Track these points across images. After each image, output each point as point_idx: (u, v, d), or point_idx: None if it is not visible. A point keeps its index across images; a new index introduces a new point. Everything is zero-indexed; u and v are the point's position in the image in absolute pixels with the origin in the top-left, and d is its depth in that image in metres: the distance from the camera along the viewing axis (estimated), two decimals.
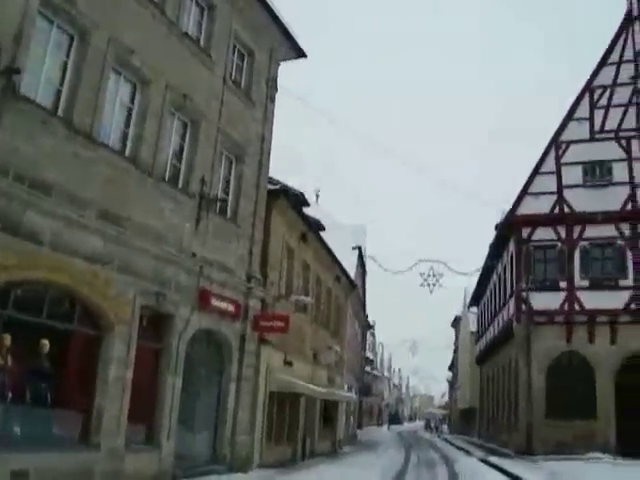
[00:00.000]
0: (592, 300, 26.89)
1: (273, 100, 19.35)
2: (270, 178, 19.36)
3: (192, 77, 14.91)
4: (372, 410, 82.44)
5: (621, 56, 29.01)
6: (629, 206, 27.49)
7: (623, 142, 28.22)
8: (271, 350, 19.01)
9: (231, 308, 16.11)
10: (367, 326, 54.94)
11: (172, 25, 14.13)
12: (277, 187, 19.81)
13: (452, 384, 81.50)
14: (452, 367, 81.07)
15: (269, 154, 18.93)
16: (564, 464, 21.82)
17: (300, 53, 20.03)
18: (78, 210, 11.10)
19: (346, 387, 35.14)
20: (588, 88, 29.17)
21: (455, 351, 76.22)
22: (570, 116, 29.04)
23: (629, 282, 26.86)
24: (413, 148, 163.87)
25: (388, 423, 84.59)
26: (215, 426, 16.01)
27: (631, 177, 27.71)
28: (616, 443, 25.47)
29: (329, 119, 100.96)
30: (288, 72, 22.01)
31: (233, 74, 17.30)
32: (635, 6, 29.13)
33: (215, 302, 15.33)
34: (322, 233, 26.43)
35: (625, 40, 29.10)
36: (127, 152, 12.78)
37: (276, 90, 19.44)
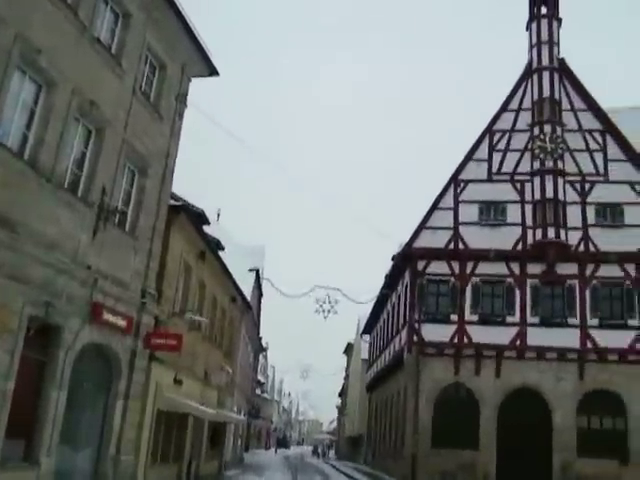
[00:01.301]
0: (480, 334, 27.89)
1: (182, 116, 19.13)
2: (172, 194, 19.11)
3: (101, 84, 14.55)
4: (260, 433, 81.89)
5: (520, 104, 30.62)
6: (520, 246, 28.74)
7: (517, 185, 29.60)
8: (161, 368, 18.62)
9: (123, 323, 15.64)
10: (260, 348, 54.74)
11: (84, 29, 13.77)
12: (178, 203, 19.59)
13: (341, 410, 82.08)
14: (342, 394, 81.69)
15: (173, 170, 18.63)
16: None
17: (212, 70, 19.91)
18: None
19: (236, 409, 34.79)
20: (489, 131, 30.53)
21: (346, 378, 76.91)
22: (470, 156, 30.24)
23: (516, 319, 28.02)
24: (322, 178, 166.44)
25: (276, 447, 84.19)
26: (99, 444, 15.44)
27: (523, 219, 29.02)
28: (496, 473, 26.38)
29: (237, 139, 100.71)
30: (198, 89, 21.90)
31: (143, 86, 17.01)
32: (535, 59, 30.76)
33: (107, 316, 14.85)
34: (221, 253, 26.25)
35: (525, 89, 30.70)
36: (26, 155, 12.29)
37: (185, 106, 19.25)
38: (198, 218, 22.01)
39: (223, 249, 27.76)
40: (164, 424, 20.08)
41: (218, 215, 43.28)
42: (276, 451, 78.31)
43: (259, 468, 37.98)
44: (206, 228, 23.54)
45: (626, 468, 26.43)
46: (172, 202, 18.93)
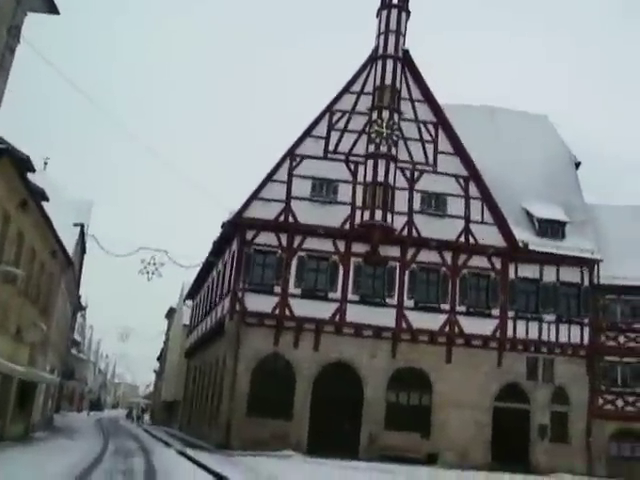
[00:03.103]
0: (302, 308, 28.62)
1: (13, 52, 17.82)
2: None
3: None
4: (74, 394, 79.23)
5: (362, 87, 31.34)
6: (347, 225, 29.64)
7: (351, 165, 30.43)
8: None
9: None
10: (79, 307, 52.80)
11: None
12: (2, 146, 18.36)
13: (159, 375, 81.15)
14: (160, 358, 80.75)
15: None
16: (256, 459, 22.86)
17: (52, 9, 18.65)
18: None
19: (48, 368, 33.40)
20: (329, 110, 31.04)
21: (165, 342, 76.00)
22: (308, 132, 30.64)
23: (337, 295, 28.98)
24: (164, 139, 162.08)
25: (89, 409, 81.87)
26: None
27: (353, 199, 29.93)
28: (307, 442, 27.32)
29: (72, 84, 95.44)
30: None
31: None
32: (381, 46, 31.51)
33: None
34: (45, 204, 24.92)
35: (368, 74, 31.43)
36: None
37: (18, 42, 17.95)
38: (22, 164, 20.71)
39: (47, 200, 26.31)
40: None
41: (45, 164, 40.93)
42: (89, 414, 76.24)
43: (70, 431, 36.79)
44: (31, 176, 22.21)
45: (427, 441, 28.40)
46: None
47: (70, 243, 33.68)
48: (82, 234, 40.64)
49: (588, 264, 30.95)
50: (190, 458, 22.95)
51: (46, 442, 26.80)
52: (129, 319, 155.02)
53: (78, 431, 37.70)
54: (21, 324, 24.21)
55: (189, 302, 50.96)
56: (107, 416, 79.90)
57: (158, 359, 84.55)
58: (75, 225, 38.84)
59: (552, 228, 31.68)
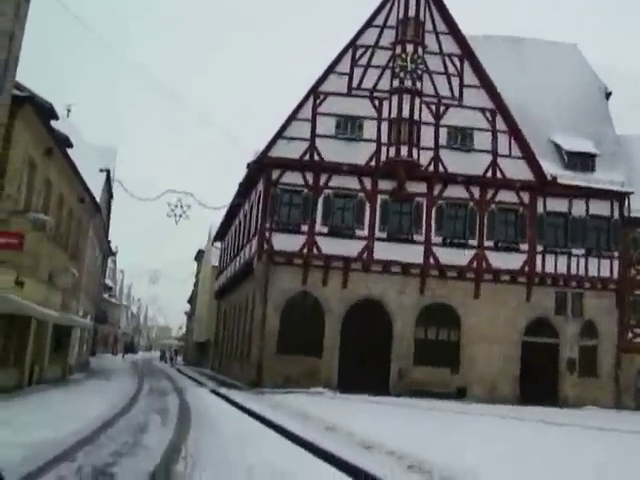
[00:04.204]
0: (329, 246, 28.61)
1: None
2: (17, 84, 17.79)
3: None
4: (108, 338, 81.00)
5: (385, 21, 30.58)
6: (373, 162, 29.38)
7: (376, 102, 29.97)
8: (2, 269, 17.76)
9: None
10: (109, 252, 53.38)
11: None
12: (24, 94, 18.29)
13: (190, 317, 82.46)
14: (191, 300, 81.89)
15: (17, 57, 17.25)
16: (287, 396, 23.27)
17: None
18: None
19: (82, 313, 34.01)
20: (352, 45, 30.43)
21: (196, 284, 76.97)
22: (331, 69, 30.12)
23: (365, 233, 28.93)
24: (181, 81, 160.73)
25: (123, 352, 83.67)
26: None
27: (379, 135, 29.57)
28: (337, 379, 27.69)
29: (90, 30, 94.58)
30: None
31: None
32: None
33: None
34: (70, 151, 24.96)
35: (391, 7, 30.63)
36: None
37: None
38: (46, 112, 20.70)
39: (72, 146, 26.35)
40: (4, 327, 19.34)
41: (68, 111, 40.88)
42: (123, 356, 77.91)
43: (105, 373, 37.65)
44: (55, 124, 22.22)
45: (456, 376, 28.64)
46: (17, 92, 17.64)
47: (97, 189, 33.87)
48: (108, 180, 40.85)
49: (618, 197, 30.47)
50: (222, 396, 23.43)
51: (83, 384, 27.48)
52: (159, 262, 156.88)
53: (113, 373, 38.57)
54: (52, 270, 24.54)
55: (217, 244, 51.29)
56: (141, 358, 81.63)
57: (189, 301, 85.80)
58: (101, 171, 39.00)
59: (581, 161, 31.11)
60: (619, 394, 29.51)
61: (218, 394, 24.55)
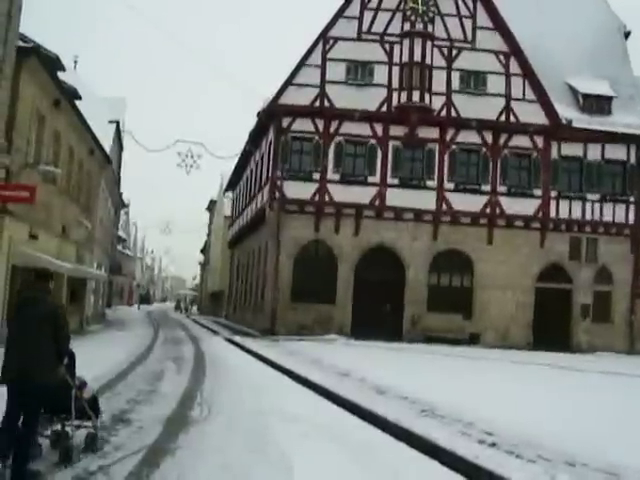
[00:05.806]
0: (341, 193, 28.45)
1: None
2: (23, 35, 17.54)
3: None
4: (123, 290, 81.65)
5: None
6: (384, 108, 28.97)
7: (386, 46, 29.38)
8: (15, 222, 17.79)
9: None
10: (121, 204, 53.43)
11: None
12: (29, 45, 18.03)
13: (204, 266, 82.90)
14: (204, 250, 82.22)
15: (20, 6, 16.97)
16: (301, 343, 23.47)
17: None
18: None
19: (96, 265, 34.22)
20: None
21: (208, 234, 77.17)
22: (341, 13, 29.46)
23: (377, 179, 28.72)
24: (191, 30, 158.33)
25: (139, 303, 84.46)
26: None
27: (390, 80, 29.07)
28: (351, 326, 27.83)
29: None
30: None
31: None
32: None
33: None
34: (79, 103, 24.76)
35: None
36: None
37: None
38: (52, 63, 20.44)
39: (80, 98, 26.12)
40: (20, 280, 19.43)
41: (75, 62, 40.51)
42: (139, 307, 78.67)
43: (121, 323, 38.07)
44: (62, 76, 21.97)
45: (470, 322, 28.71)
46: (22, 44, 17.38)
47: (107, 141, 33.70)
48: (118, 131, 40.62)
49: (635, 141, 29.95)
50: (237, 344, 23.65)
51: (100, 334, 27.78)
52: (171, 213, 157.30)
53: (129, 323, 38.97)
54: (65, 223, 24.60)
55: (229, 194, 51.22)
56: (156, 309, 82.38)
57: (202, 251, 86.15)
58: (110, 122, 38.76)
59: (597, 104, 30.51)
60: (632, 340, 29.51)
61: (233, 342, 24.78)
